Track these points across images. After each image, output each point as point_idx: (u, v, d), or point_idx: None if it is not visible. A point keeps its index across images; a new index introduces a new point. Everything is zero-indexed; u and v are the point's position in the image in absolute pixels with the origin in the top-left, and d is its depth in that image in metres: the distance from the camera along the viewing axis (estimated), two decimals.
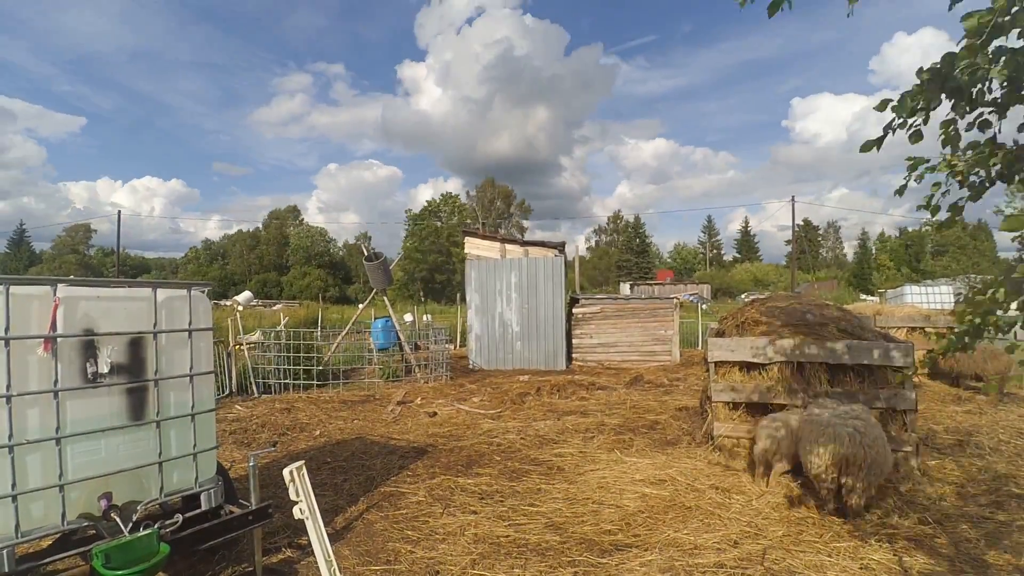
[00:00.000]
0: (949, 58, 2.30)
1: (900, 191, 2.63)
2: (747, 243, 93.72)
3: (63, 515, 2.85)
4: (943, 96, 2.38)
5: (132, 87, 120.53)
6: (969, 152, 2.43)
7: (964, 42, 2.24)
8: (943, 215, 2.56)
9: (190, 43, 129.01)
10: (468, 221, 67.38)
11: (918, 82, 2.42)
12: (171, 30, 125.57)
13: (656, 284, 58.99)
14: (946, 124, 2.44)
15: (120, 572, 2.71)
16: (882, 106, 2.50)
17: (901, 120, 2.46)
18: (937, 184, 2.53)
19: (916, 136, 2.47)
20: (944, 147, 2.49)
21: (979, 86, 2.30)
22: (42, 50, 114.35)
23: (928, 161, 2.51)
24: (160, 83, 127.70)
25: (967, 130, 2.45)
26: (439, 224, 68.12)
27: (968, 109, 2.39)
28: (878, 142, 2.55)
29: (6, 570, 2.63)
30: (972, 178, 2.46)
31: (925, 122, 2.47)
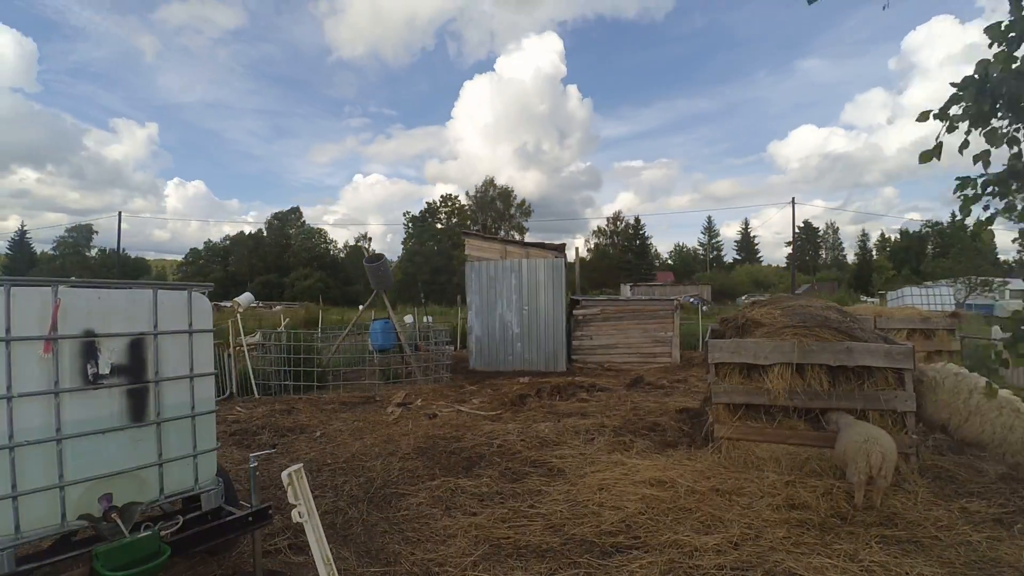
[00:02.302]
0: (984, 63, 2.32)
1: (962, 210, 2.65)
2: (747, 245, 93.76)
3: (63, 516, 2.85)
4: (988, 106, 2.40)
5: (202, 126, 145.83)
6: (1010, 166, 2.46)
7: (995, 48, 2.28)
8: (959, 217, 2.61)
9: (261, 96, 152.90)
10: (468, 223, 67.40)
11: (955, 91, 2.44)
12: (247, 88, 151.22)
13: (656, 286, 58.96)
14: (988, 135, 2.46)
15: (120, 573, 2.71)
16: (923, 117, 2.51)
17: (949, 124, 2.48)
18: (977, 197, 2.56)
19: (964, 144, 2.49)
20: (976, 163, 2.51)
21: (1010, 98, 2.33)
22: (133, 98, 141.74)
23: (975, 179, 2.54)
24: (227, 122, 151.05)
25: (996, 146, 2.47)
26: (440, 226, 68.18)
27: (1014, 120, 2.42)
28: (936, 151, 2.55)
29: (6, 571, 2.63)
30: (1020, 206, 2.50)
31: (972, 128, 2.49)
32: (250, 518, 3.52)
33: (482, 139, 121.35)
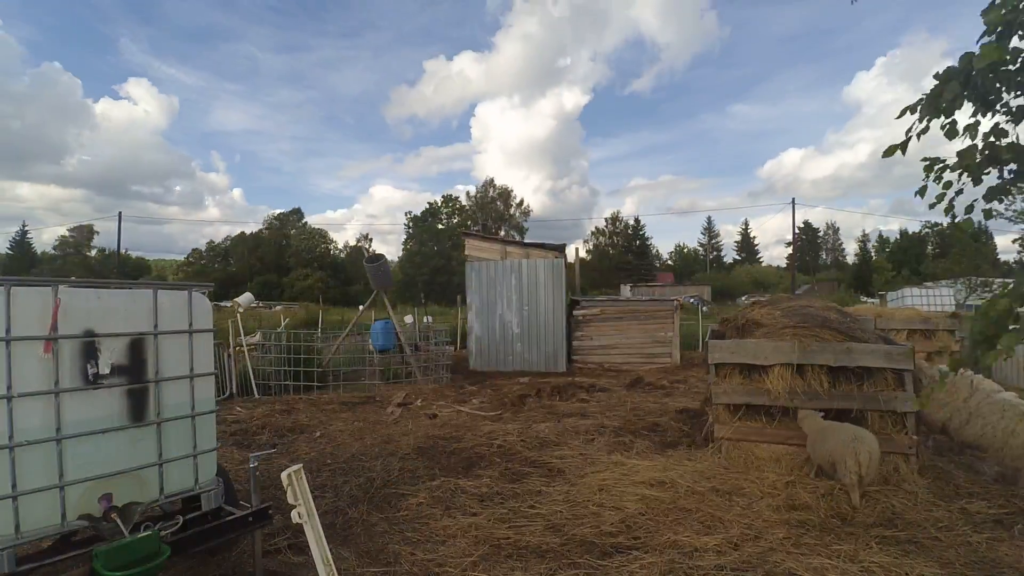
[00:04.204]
0: (968, 57, 2.32)
1: (921, 192, 2.65)
2: (747, 245, 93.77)
3: (63, 516, 2.85)
4: (965, 96, 2.40)
5: (249, 150, 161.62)
6: (983, 151, 2.45)
7: (984, 39, 2.27)
8: (942, 213, 2.60)
9: (299, 125, 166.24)
10: (468, 223, 67.44)
11: (936, 83, 2.45)
12: (291, 119, 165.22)
13: (656, 286, 58.96)
14: (968, 128, 2.46)
15: (120, 573, 2.71)
16: (903, 112, 2.53)
17: (923, 126, 2.49)
18: (949, 183, 2.55)
19: (951, 132, 2.49)
20: (958, 158, 2.51)
21: (999, 88, 2.33)
22: (188, 129, 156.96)
23: (944, 161, 2.54)
24: (268, 146, 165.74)
25: (983, 139, 2.47)
26: (440, 226, 68.23)
27: (985, 114, 2.42)
28: (902, 146, 2.57)
29: (6, 571, 2.63)
30: (985, 177, 2.49)
31: (951, 129, 2.49)
32: (250, 518, 3.52)
33: (498, 166, 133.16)
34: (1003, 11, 2.18)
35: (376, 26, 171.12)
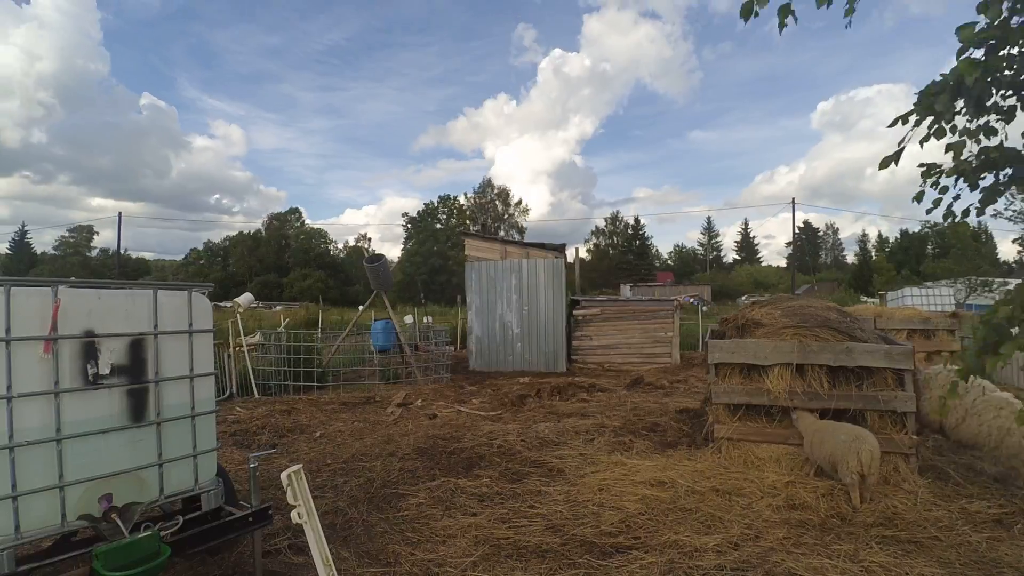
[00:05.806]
0: (958, 69, 2.34)
1: (918, 197, 2.65)
2: (747, 245, 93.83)
3: (63, 516, 2.85)
4: (958, 102, 2.40)
5: (275, 165, 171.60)
6: (979, 156, 2.46)
7: (963, 55, 2.29)
8: (940, 215, 2.60)
9: (327, 144, 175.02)
10: (467, 223, 67.50)
11: (922, 92, 2.46)
12: (316, 140, 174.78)
13: (656, 286, 58.96)
14: (953, 130, 2.47)
15: (120, 574, 2.71)
16: (895, 122, 2.53)
17: (911, 131, 2.50)
18: (945, 188, 2.56)
19: (939, 132, 2.49)
20: (947, 152, 2.51)
21: (989, 89, 2.34)
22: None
23: (941, 167, 2.54)
24: (295, 161, 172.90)
25: (973, 137, 2.47)
26: (438, 227, 68.32)
27: (975, 115, 2.42)
28: (895, 157, 2.58)
29: (6, 571, 2.63)
30: (981, 182, 2.50)
31: (939, 129, 2.49)
32: (250, 518, 3.52)
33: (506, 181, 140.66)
34: (976, 29, 2.23)
35: (401, 73, 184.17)
